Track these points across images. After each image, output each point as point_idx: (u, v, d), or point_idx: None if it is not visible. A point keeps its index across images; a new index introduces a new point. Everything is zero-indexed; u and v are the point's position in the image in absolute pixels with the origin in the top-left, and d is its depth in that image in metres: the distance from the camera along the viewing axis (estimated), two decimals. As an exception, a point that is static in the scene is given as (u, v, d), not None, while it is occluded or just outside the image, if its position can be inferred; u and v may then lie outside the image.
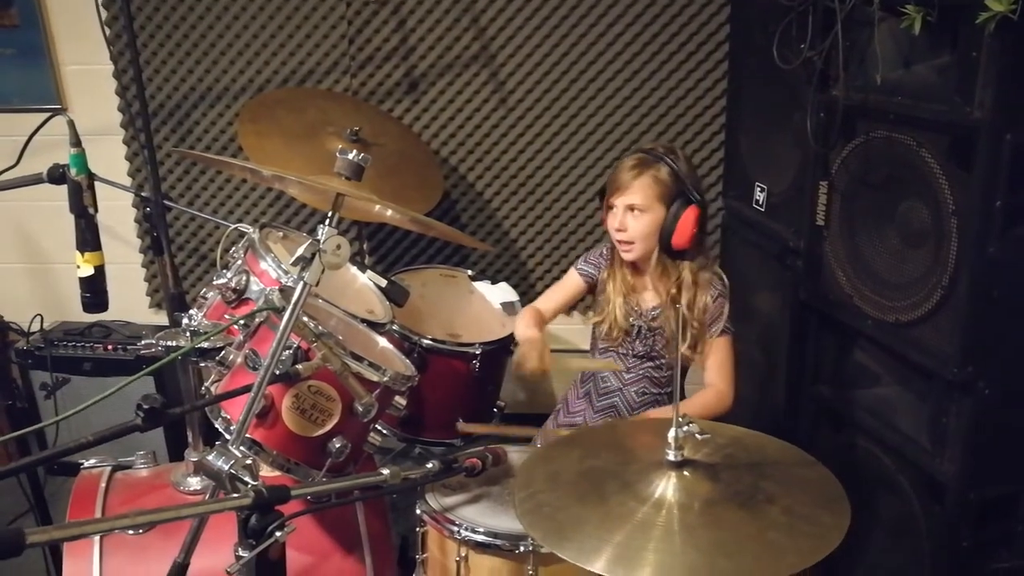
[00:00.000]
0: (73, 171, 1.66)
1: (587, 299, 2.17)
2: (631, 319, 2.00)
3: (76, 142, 1.66)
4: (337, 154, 1.55)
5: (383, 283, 1.88)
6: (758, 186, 2.40)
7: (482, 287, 2.40)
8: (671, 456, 1.22)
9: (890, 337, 1.88)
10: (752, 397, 2.08)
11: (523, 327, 1.93)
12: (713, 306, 1.97)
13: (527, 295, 2.67)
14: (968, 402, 1.71)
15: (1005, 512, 1.80)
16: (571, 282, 2.08)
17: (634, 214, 1.93)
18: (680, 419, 1.22)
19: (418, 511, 1.69)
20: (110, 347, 2.61)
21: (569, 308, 2.10)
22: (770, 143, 2.36)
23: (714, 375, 1.96)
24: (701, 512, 1.16)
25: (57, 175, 1.67)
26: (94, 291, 1.73)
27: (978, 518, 1.77)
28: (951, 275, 1.66)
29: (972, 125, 1.58)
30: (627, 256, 1.97)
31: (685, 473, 1.22)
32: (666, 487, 1.21)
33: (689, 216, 1.90)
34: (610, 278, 2.02)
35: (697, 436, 1.23)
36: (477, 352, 2.02)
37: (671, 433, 1.21)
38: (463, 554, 1.60)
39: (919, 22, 1.60)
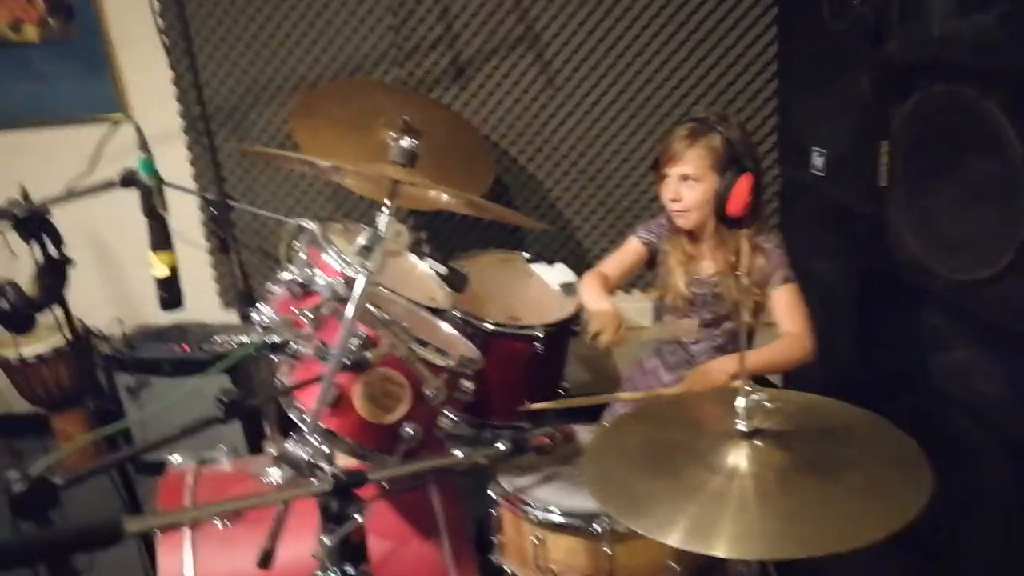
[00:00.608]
0: (143, 175, 1.72)
1: (645, 276, 2.16)
2: (692, 288, 1.98)
3: (144, 146, 1.73)
4: (390, 142, 1.58)
5: (443, 270, 1.90)
6: (815, 151, 2.34)
7: (540, 269, 2.41)
8: (741, 426, 1.22)
9: (963, 297, 1.83)
10: (820, 366, 2.04)
11: (593, 298, 1.93)
12: (770, 259, 1.94)
13: (582, 273, 2.67)
14: (1051, 358, 1.65)
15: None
16: (632, 248, 2.08)
17: (688, 184, 1.91)
18: (748, 388, 1.21)
19: (491, 493, 1.72)
20: (187, 347, 2.71)
21: (631, 278, 2.08)
22: (825, 106, 2.30)
23: (786, 322, 1.92)
24: (776, 481, 1.15)
25: (128, 179, 1.74)
26: (170, 290, 1.79)
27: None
28: (1026, 229, 1.60)
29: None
30: (683, 224, 1.96)
31: (757, 442, 1.21)
32: (738, 457, 1.20)
33: (743, 184, 1.88)
34: (671, 248, 2.01)
35: (766, 404, 1.22)
36: (539, 334, 2.03)
37: (739, 402, 1.21)
38: (539, 535, 1.62)
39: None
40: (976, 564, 1.91)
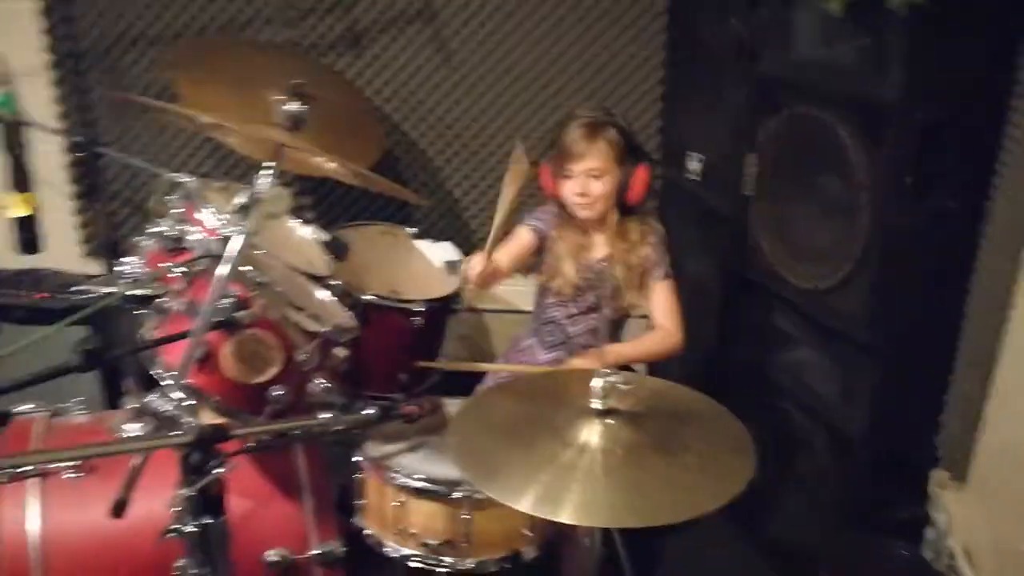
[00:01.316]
0: (3, 110, 1.62)
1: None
2: (581, 274, 2.07)
3: (5, 79, 1.62)
4: (278, 105, 1.56)
5: (325, 237, 1.90)
6: (693, 156, 2.48)
7: (425, 245, 2.42)
8: (596, 405, 1.30)
9: (808, 303, 2.00)
10: (686, 358, 2.18)
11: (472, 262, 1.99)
12: (654, 252, 2.06)
13: (469, 254, 2.70)
14: (876, 365, 1.84)
15: (905, 468, 1.95)
16: (522, 235, 2.13)
17: (594, 178, 1.99)
18: (604, 371, 1.29)
19: (357, 458, 1.75)
20: (42, 295, 2.56)
21: (521, 265, 2.16)
22: (703, 114, 2.44)
23: (661, 316, 2.05)
24: (623, 457, 1.25)
25: (-15, 113, 1.63)
26: (28, 232, 1.70)
27: (880, 472, 1.92)
28: (863, 246, 1.77)
29: (884, 103, 1.68)
30: (587, 215, 2.04)
31: (609, 421, 1.30)
32: (591, 434, 1.28)
33: (642, 173, 2.00)
34: (559, 239, 2.09)
35: (621, 387, 1.31)
36: (420, 309, 2.06)
37: (596, 383, 1.29)
38: (401, 500, 1.67)
39: (840, 3, 1.68)
40: (799, 540, 2.11)
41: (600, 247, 2.09)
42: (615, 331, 2.15)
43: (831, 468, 1.99)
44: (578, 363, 1.97)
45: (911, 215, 1.72)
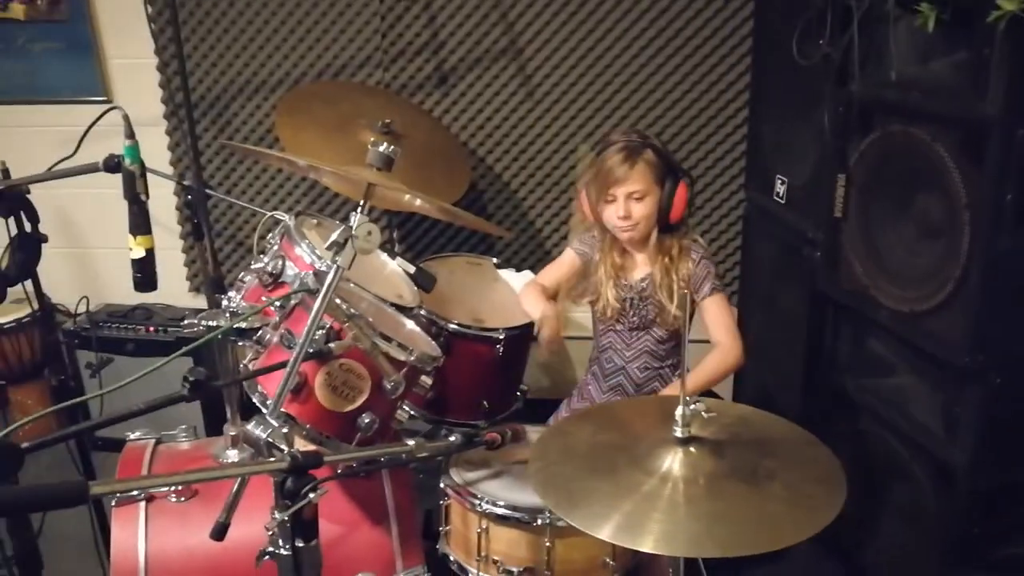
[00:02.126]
0: (127, 161, 1.76)
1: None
2: (622, 294, 2.09)
3: (131, 134, 1.76)
4: (369, 146, 1.64)
5: (411, 269, 1.95)
6: (779, 179, 2.43)
7: (507, 275, 2.47)
8: (678, 433, 1.29)
9: (904, 327, 1.92)
10: (771, 383, 2.13)
11: (531, 303, 2.06)
12: (698, 268, 2.06)
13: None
14: (979, 391, 1.74)
15: (1014, 499, 1.84)
16: (567, 259, 2.21)
17: (636, 201, 2.01)
18: (687, 399, 1.28)
19: (442, 485, 1.78)
20: (152, 328, 2.73)
21: (570, 292, 2.23)
22: (791, 136, 2.39)
23: (716, 332, 2.05)
24: (705, 486, 1.23)
25: (113, 164, 1.77)
26: (145, 272, 1.83)
27: (987, 505, 1.81)
28: (963, 267, 1.69)
29: (984, 120, 1.61)
30: (630, 237, 2.07)
31: (691, 449, 1.28)
32: (672, 462, 1.27)
33: (682, 191, 2.02)
34: (601, 262, 2.13)
35: (704, 415, 1.29)
36: (501, 337, 2.09)
37: (678, 411, 1.28)
38: (484, 526, 1.69)
39: (932, 20, 1.63)
40: (897, 574, 2.01)
41: (641, 267, 2.11)
42: (673, 349, 2.13)
43: (933, 500, 1.88)
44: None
45: (1013, 234, 1.64)
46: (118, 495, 1.64)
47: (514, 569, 1.67)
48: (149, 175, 1.85)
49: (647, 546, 1.14)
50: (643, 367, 2.11)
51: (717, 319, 2.04)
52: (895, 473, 1.98)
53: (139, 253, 1.80)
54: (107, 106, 1.84)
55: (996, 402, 1.74)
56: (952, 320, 1.76)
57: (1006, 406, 1.75)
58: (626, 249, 2.11)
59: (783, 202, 2.42)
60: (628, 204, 2.02)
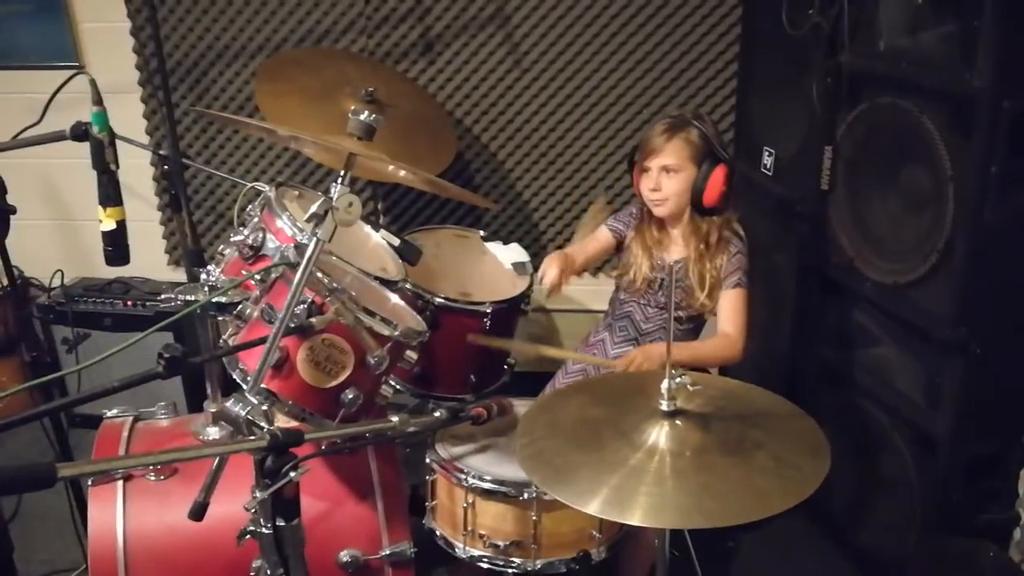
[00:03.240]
0: (95, 129, 1.70)
1: (612, 260, 2.25)
2: (655, 272, 2.08)
3: (98, 100, 1.70)
4: (350, 115, 1.60)
5: (396, 242, 1.93)
6: (766, 150, 2.42)
7: (494, 247, 2.44)
8: (664, 406, 1.28)
9: (888, 299, 1.93)
10: (758, 355, 2.13)
11: (547, 260, 2.02)
12: (730, 261, 2.04)
13: (538, 256, 2.70)
14: (960, 362, 1.75)
15: (993, 467, 1.86)
16: (601, 235, 2.18)
17: (668, 174, 2.00)
18: (672, 371, 1.28)
19: (428, 460, 1.77)
20: (130, 303, 2.68)
21: (596, 264, 2.18)
22: (779, 108, 2.38)
23: (726, 323, 2.03)
24: (691, 459, 1.23)
25: (80, 132, 1.71)
26: (116, 245, 1.77)
27: (968, 473, 1.83)
28: (947, 239, 1.70)
29: (972, 92, 1.60)
30: (660, 212, 2.06)
31: (677, 422, 1.28)
32: (659, 435, 1.27)
33: (719, 174, 1.98)
34: (637, 235, 2.12)
35: (689, 387, 1.29)
36: (488, 311, 2.07)
37: (664, 384, 1.27)
38: (470, 500, 1.68)
39: (923, -11, 1.61)
40: (882, 541, 2.03)
41: (678, 248, 2.09)
42: (690, 332, 2.13)
43: (915, 468, 1.91)
44: (634, 354, 1.96)
45: (998, 207, 1.64)
46: (96, 473, 1.61)
47: (501, 543, 1.67)
48: (124, 144, 1.80)
49: (635, 519, 1.13)
50: (656, 341, 2.11)
51: (731, 313, 2.03)
52: (878, 443, 2.00)
53: (109, 225, 1.75)
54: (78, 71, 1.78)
55: (977, 373, 1.76)
56: (936, 292, 1.77)
57: (987, 377, 1.77)
58: (664, 225, 2.10)
59: (770, 174, 2.41)
60: (660, 177, 2.01)
